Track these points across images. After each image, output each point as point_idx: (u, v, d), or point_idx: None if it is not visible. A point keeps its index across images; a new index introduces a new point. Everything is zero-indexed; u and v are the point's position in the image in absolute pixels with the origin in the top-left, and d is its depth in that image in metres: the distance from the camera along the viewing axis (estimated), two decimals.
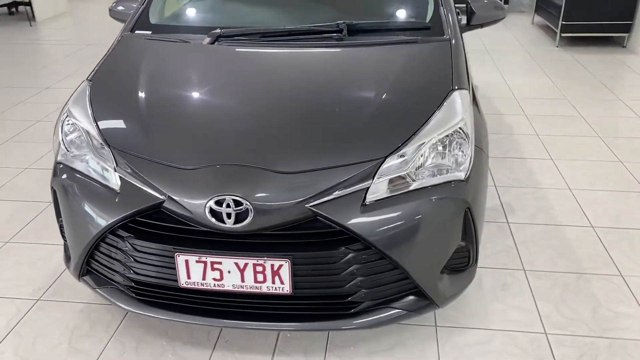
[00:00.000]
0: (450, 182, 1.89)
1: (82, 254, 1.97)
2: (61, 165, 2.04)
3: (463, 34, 2.71)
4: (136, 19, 2.54)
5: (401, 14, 2.52)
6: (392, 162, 1.83)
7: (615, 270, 2.56)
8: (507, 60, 5.94)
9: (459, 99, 2.02)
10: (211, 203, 1.73)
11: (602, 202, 3.12)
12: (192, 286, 1.86)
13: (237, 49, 2.31)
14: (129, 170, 1.86)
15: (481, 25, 2.71)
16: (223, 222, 1.74)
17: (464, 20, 2.69)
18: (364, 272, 1.83)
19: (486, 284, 2.49)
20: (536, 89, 4.99)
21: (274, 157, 1.80)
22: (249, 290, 1.84)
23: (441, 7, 2.42)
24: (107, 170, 1.91)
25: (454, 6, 2.54)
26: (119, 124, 2.00)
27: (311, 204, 1.75)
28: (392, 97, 2.02)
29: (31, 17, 8.10)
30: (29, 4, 8.24)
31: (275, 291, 1.83)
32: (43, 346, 2.18)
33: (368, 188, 1.79)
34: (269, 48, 2.30)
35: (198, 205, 1.74)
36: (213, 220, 1.74)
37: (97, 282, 2.06)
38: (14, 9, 8.95)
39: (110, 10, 2.88)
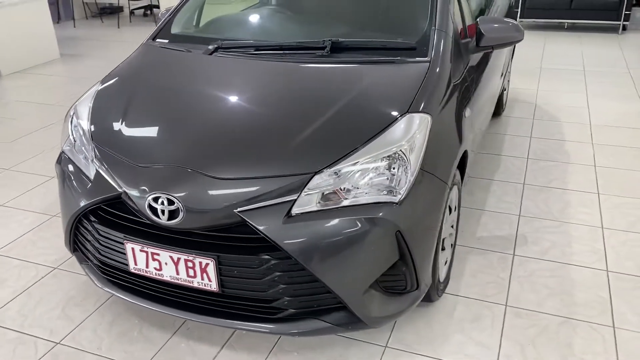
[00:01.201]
0: (381, 203, 1.89)
1: (66, 233, 2.26)
2: (63, 154, 2.35)
3: (494, 52, 2.61)
4: (159, 28, 2.81)
5: (392, 34, 2.52)
6: (324, 177, 1.88)
7: (609, 321, 2.35)
8: (601, 82, 5.48)
9: (409, 123, 2.01)
10: (150, 199, 1.92)
11: (632, 246, 2.84)
12: (139, 272, 2.06)
13: (224, 61, 2.46)
14: (101, 164, 2.10)
15: (492, 47, 2.60)
16: (159, 217, 1.92)
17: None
18: (286, 280, 1.90)
19: (458, 313, 2.41)
20: (619, 117, 4.57)
21: (213, 163, 1.94)
22: (183, 283, 1.99)
23: (433, 29, 2.39)
24: (88, 162, 2.18)
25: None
26: (105, 122, 2.25)
27: (239, 209, 1.86)
28: (341, 115, 2.06)
29: None
30: None
31: (205, 287, 1.97)
32: (42, 308, 2.52)
33: (295, 200, 1.86)
34: (253, 60, 2.42)
35: (141, 199, 1.94)
36: (151, 215, 1.93)
37: (81, 259, 2.34)
38: None
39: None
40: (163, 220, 1.91)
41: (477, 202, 3.30)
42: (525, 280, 2.61)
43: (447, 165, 2.13)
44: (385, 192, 1.91)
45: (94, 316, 2.46)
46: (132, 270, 2.07)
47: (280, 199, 1.86)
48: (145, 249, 1.99)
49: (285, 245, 1.82)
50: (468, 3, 3.00)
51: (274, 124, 2.05)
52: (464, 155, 2.54)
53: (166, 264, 1.98)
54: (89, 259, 2.28)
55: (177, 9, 2.88)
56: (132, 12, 9.81)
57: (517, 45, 6.81)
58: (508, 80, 4.68)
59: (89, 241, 2.19)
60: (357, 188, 1.90)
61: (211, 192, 1.89)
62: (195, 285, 1.98)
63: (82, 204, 2.10)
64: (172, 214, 1.90)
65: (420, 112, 2.07)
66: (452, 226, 2.55)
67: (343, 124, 2.03)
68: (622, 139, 4.12)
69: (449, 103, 2.27)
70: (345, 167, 1.90)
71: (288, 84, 2.25)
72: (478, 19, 2.55)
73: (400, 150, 1.94)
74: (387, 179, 1.92)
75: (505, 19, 2.61)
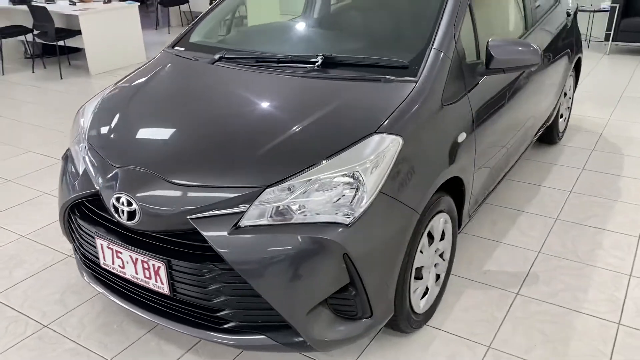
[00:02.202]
0: (332, 223, 1.83)
1: (60, 224, 2.40)
2: (69, 150, 2.51)
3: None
4: (180, 37, 2.92)
5: (393, 51, 2.43)
6: (276, 192, 1.86)
7: None
8: None
9: (373, 144, 1.93)
10: (113, 198, 2.00)
11: None
12: (107, 267, 2.14)
13: (220, 70, 2.49)
14: (88, 161, 2.22)
15: (503, 70, 2.43)
16: (120, 217, 1.99)
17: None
18: (230, 292, 1.90)
19: (434, 348, 2.27)
20: None
21: (174, 168, 1.98)
22: (141, 282, 2.05)
23: (430, 49, 2.28)
24: (79, 159, 2.31)
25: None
26: (99, 122, 2.37)
27: (192, 216, 1.89)
28: (308, 130, 2.02)
29: None
30: None
31: (158, 289, 2.01)
32: (44, 292, 2.70)
33: (244, 212, 1.85)
34: (247, 71, 2.44)
35: (108, 198, 2.03)
36: (115, 214, 2.01)
37: (74, 249, 2.48)
38: None
39: None
40: (123, 220, 1.99)
41: (497, 232, 3.10)
42: (521, 322, 2.41)
43: (419, 191, 2.02)
44: (336, 213, 1.85)
45: (85, 305, 2.59)
46: (102, 265, 2.16)
47: (231, 210, 1.87)
48: (111, 246, 2.07)
49: (227, 256, 1.81)
50: (493, 23, 2.84)
51: (240, 135, 2.06)
52: (460, 183, 2.40)
53: (127, 262, 2.05)
54: (75, 249, 2.41)
55: (199, 20, 2.98)
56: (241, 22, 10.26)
57: (599, 70, 6.35)
58: (568, 107, 4.35)
59: (73, 233, 2.31)
60: (309, 206, 1.86)
61: (166, 197, 1.93)
62: (151, 286, 2.03)
63: (69, 197, 2.23)
64: (131, 215, 1.96)
65: (391, 133, 1.98)
66: (440, 255, 2.42)
67: (307, 140, 1.99)
68: None
69: (435, 126, 2.16)
70: (298, 183, 1.86)
71: (268, 96, 2.25)
72: (489, 40, 2.40)
73: (357, 171, 1.87)
74: (340, 199, 1.86)
75: (520, 41, 2.44)
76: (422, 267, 2.24)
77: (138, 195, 1.95)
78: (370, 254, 1.88)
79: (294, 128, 2.03)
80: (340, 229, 1.83)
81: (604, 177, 3.75)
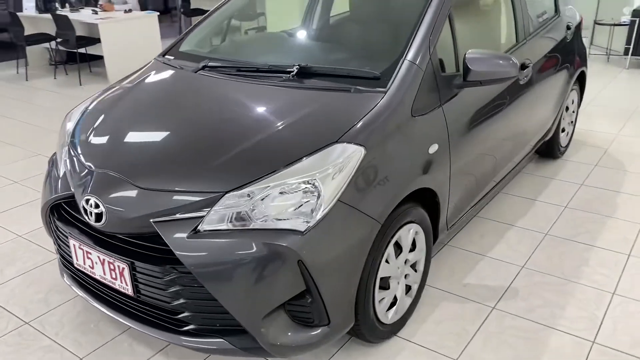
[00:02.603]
0: (288, 230, 1.86)
1: (44, 224, 2.48)
2: (55, 154, 2.59)
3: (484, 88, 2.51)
4: (171, 46, 3.00)
5: (369, 61, 2.45)
6: (235, 198, 1.89)
7: None
8: None
9: (333, 153, 1.95)
10: (83, 200, 2.06)
11: (639, 328, 2.47)
12: (80, 267, 2.21)
13: (200, 79, 2.55)
14: (68, 165, 2.30)
15: (480, 83, 2.42)
16: (89, 218, 2.05)
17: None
18: (188, 295, 1.93)
19: (400, 359, 2.27)
20: None
21: (142, 173, 2.03)
22: (109, 283, 2.11)
23: (403, 60, 2.29)
24: (61, 161, 2.39)
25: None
26: (81, 128, 2.45)
27: (155, 219, 1.94)
28: (272, 138, 2.05)
29: None
30: None
31: (123, 290, 2.06)
32: (30, 290, 2.79)
33: (204, 217, 1.89)
34: (225, 80, 2.48)
35: (79, 200, 2.09)
36: (84, 215, 2.07)
37: (56, 250, 2.56)
38: None
39: None
40: (91, 221, 2.05)
41: (484, 246, 3.07)
42: (493, 337, 2.38)
43: (381, 201, 2.03)
44: (294, 220, 1.87)
45: (67, 304, 2.67)
46: (76, 266, 2.22)
47: (192, 214, 1.91)
48: (82, 247, 2.13)
49: (185, 259, 1.85)
50: (478, 35, 2.84)
51: (207, 141, 2.11)
52: (434, 195, 2.40)
53: (96, 263, 2.10)
54: (57, 250, 2.48)
55: (190, 30, 3.06)
56: (245, 32, 10.43)
57: (616, 84, 6.24)
58: (571, 122, 4.29)
59: (53, 234, 2.39)
60: (268, 212, 1.88)
61: (132, 200, 1.98)
62: (117, 287, 2.08)
63: (48, 198, 2.31)
64: (99, 217, 2.02)
65: (353, 143, 2.00)
66: (413, 266, 2.42)
67: (269, 147, 2.03)
68: None
69: (402, 137, 2.16)
70: (257, 189, 1.90)
71: (241, 104, 2.29)
72: (466, 53, 2.40)
73: (314, 179, 1.89)
74: (298, 206, 1.88)
75: (499, 54, 2.43)
76: (389, 277, 2.24)
77: (105, 197, 2.01)
78: (327, 262, 1.90)
79: (259, 135, 2.07)
80: (296, 236, 1.85)
81: (602, 193, 3.68)
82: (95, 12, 7.43)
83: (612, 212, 3.44)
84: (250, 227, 1.88)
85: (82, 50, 7.19)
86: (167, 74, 2.71)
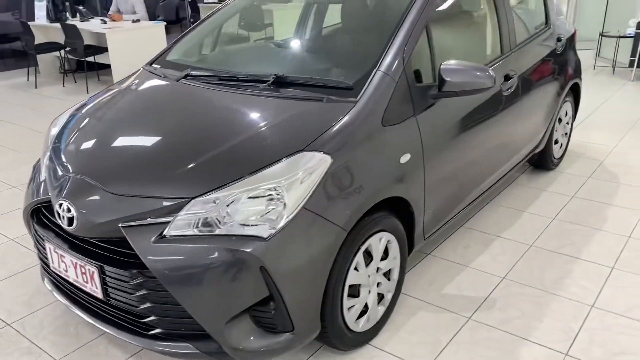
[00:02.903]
0: (251, 236, 1.89)
1: (27, 228, 2.54)
2: (39, 159, 2.66)
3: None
4: (158, 55, 3.06)
5: (345, 71, 2.49)
6: (201, 204, 1.93)
7: None
8: None
9: (299, 161, 1.98)
10: (57, 204, 2.11)
11: (616, 332, 2.45)
12: (55, 270, 2.26)
13: (179, 87, 2.60)
14: (49, 170, 2.35)
15: (456, 93, 2.44)
16: (61, 222, 2.10)
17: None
18: (154, 299, 1.97)
19: None
20: None
21: (114, 178, 2.08)
22: (81, 286, 2.15)
23: (376, 71, 2.32)
24: (42, 166, 2.45)
25: None
26: (62, 134, 2.51)
27: (122, 224, 1.98)
28: (241, 145, 2.08)
29: None
30: None
31: (94, 293, 2.11)
32: (16, 292, 2.84)
33: (169, 222, 1.93)
34: (204, 89, 2.53)
35: (54, 204, 2.14)
36: (58, 219, 2.12)
37: (37, 255, 2.61)
38: None
39: None
40: (64, 225, 2.10)
41: (467, 256, 3.07)
42: (464, 348, 2.38)
43: (347, 209, 2.05)
44: (258, 226, 1.90)
45: (48, 307, 2.72)
46: (52, 268, 2.27)
47: (158, 220, 1.95)
48: (57, 250, 2.18)
49: (150, 263, 1.89)
50: (458, 46, 2.86)
51: (178, 148, 2.15)
52: (408, 204, 2.41)
53: (69, 266, 2.15)
54: (38, 255, 2.54)
55: (177, 40, 3.12)
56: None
57: (619, 96, 6.19)
58: (565, 133, 4.27)
59: (33, 237, 2.45)
60: (233, 218, 1.92)
61: (102, 205, 2.03)
62: (88, 290, 2.12)
63: (28, 202, 2.37)
64: (71, 221, 2.07)
65: (320, 151, 2.03)
66: (386, 275, 2.43)
67: (237, 155, 2.06)
68: None
69: (371, 146, 2.18)
70: (222, 196, 1.93)
71: (216, 112, 2.34)
72: (441, 64, 2.42)
73: (278, 186, 1.92)
74: (263, 213, 1.91)
75: (475, 65, 2.44)
76: (359, 285, 2.25)
77: (77, 202, 2.06)
78: (290, 268, 1.92)
79: (228, 143, 2.11)
80: (259, 243, 1.88)
81: (592, 205, 3.65)
82: (104, 22, 7.58)
83: (600, 224, 3.41)
84: (216, 232, 1.91)
85: (90, 58, 7.32)
86: (150, 82, 2.76)
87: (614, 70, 7.50)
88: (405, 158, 2.32)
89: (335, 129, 2.12)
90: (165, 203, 1.96)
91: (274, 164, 1.99)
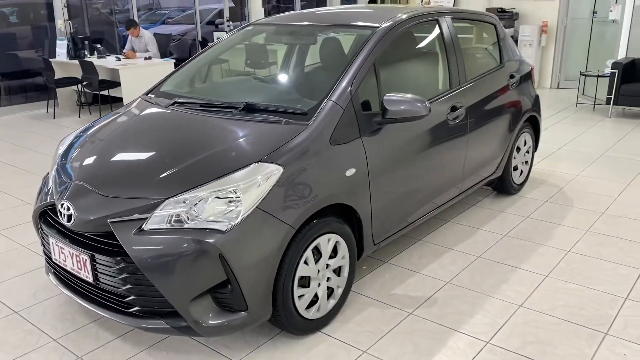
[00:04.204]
0: (213, 229, 2.33)
1: (35, 230, 3.01)
2: (48, 171, 3.15)
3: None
4: (154, 86, 3.58)
5: (305, 100, 2.98)
6: (174, 203, 2.39)
7: None
8: None
9: (255, 170, 2.44)
10: (59, 205, 2.59)
11: (533, 327, 2.82)
12: (56, 262, 2.71)
13: (167, 113, 3.09)
14: (56, 179, 2.84)
15: (396, 120, 2.90)
16: (62, 219, 2.57)
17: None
18: (133, 281, 2.41)
19: (317, 350, 2.67)
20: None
21: (105, 183, 2.56)
22: (77, 273, 2.60)
23: (327, 100, 2.80)
24: (50, 175, 2.94)
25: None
26: (68, 151, 3.00)
27: (110, 220, 2.44)
28: (210, 157, 2.55)
29: None
30: None
31: (86, 278, 2.56)
32: (25, 287, 3.29)
33: (148, 218, 2.39)
34: (187, 114, 3.01)
35: (58, 205, 2.62)
36: (60, 217, 2.59)
37: (43, 252, 3.08)
38: None
39: None
40: (64, 221, 2.56)
41: (419, 265, 3.47)
42: (402, 336, 2.77)
43: (296, 211, 2.48)
44: (219, 222, 2.35)
45: (52, 299, 3.16)
46: (54, 260, 2.73)
47: (139, 216, 2.41)
48: (58, 243, 2.64)
49: (130, 251, 2.34)
50: (406, 81, 3.34)
51: (159, 159, 2.63)
52: (353, 212, 2.84)
53: (68, 257, 2.61)
54: (44, 252, 3.00)
55: (169, 75, 3.65)
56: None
57: (594, 131, 6.60)
58: (526, 162, 4.69)
59: (40, 235, 2.91)
60: (199, 215, 2.37)
61: (96, 205, 2.50)
62: (82, 276, 2.57)
63: (37, 206, 2.85)
64: (70, 218, 2.54)
65: (274, 163, 2.49)
66: (336, 272, 2.84)
67: (206, 164, 2.53)
68: (626, 232, 3.92)
69: (319, 161, 2.63)
70: (190, 197, 2.39)
71: (193, 131, 2.82)
72: (384, 95, 2.90)
73: (237, 189, 2.38)
74: (224, 211, 2.36)
75: (413, 96, 2.89)
76: (309, 277, 2.67)
77: (76, 202, 2.53)
78: (245, 257, 2.35)
79: (199, 155, 2.59)
80: (219, 235, 2.32)
81: (542, 225, 4.04)
82: (119, 59, 8.23)
83: (545, 240, 3.80)
84: (185, 227, 2.36)
85: (105, 92, 7.94)
86: (144, 108, 3.27)
87: (594, 107, 7.94)
88: (350, 172, 2.77)
89: (288, 145, 2.59)
90: (145, 203, 2.42)
91: (236, 171, 2.45)
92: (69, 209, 2.54)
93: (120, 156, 2.76)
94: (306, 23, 3.62)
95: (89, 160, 2.79)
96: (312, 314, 2.73)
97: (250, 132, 2.72)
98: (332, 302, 2.85)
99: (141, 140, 2.87)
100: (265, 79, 3.74)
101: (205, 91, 3.60)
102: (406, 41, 3.51)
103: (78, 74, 8.30)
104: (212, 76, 3.80)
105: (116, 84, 7.88)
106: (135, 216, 2.41)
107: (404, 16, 3.40)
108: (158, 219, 2.39)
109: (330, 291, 2.84)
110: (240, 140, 2.67)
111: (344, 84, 2.87)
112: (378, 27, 3.22)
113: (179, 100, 3.19)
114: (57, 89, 8.53)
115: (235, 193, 2.39)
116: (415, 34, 3.64)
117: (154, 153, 2.70)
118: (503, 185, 4.48)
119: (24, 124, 7.87)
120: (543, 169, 5.29)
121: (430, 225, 4.03)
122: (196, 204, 2.39)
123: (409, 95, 2.90)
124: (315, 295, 2.74)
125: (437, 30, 3.64)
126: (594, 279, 3.29)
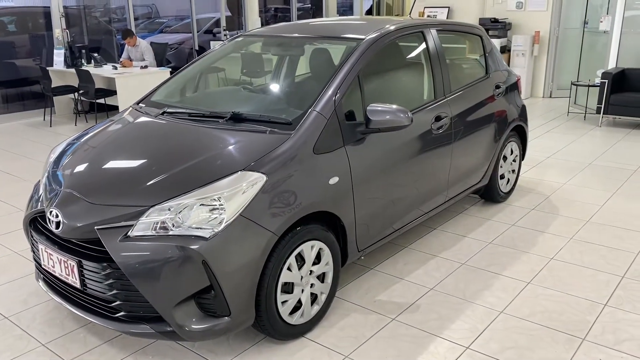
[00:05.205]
0: (196, 236, 2.40)
1: (26, 237, 3.07)
2: (39, 179, 3.22)
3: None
4: (144, 96, 3.66)
5: (290, 109, 3.05)
6: (158, 211, 2.46)
7: None
8: None
9: (238, 178, 2.51)
10: (48, 212, 2.65)
11: (512, 332, 2.88)
12: (45, 268, 2.77)
13: (156, 122, 3.15)
14: (46, 187, 2.90)
15: (379, 130, 2.97)
16: (51, 226, 2.64)
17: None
18: (118, 287, 2.47)
19: (300, 354, 2.72)
20: (629, 218, 4.37)
21: (92, 191, 2.63)
22: (64, 279, 2.66)
23: (311, 110, 2.86)
24: (41, 183, 3.00)
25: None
26: (58, 159, 3.07)
27: (97, 227, 2.50)
28: (195, 166, 2.62)
29: None
30: None
31: (73, 284, 2.62)
32: (16, 293, 3.35)
33: (134, 225, 2.45)
34: (175, 123, 3.08)
35: (47, 212, 2.68)
36: (49, 224, 2.66)
37: (33, 258, 3.14)
38: None
39: None
40: (53, 228, 2.63)
41: (404, 271, 3.53)
42: (384, 341, 2.83)
43: (279, 218, 2.55)
44: (203, 229, 2.41)
45: (41, 305, 3.22)
46: (43, 266, 2.79)
47: (125, 223, 2.47)
48: (47, 250, 2.71)
49: (116, 258, 2.40)
50: (390, 92, 3.42)
51: (145, 168, 2.69)
52: (338, 219, 2.91)
53: (56, 263, 2.67)
54: (34, 258, 3.06)
55: (159, 85, 3.73)
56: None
57: (584, 140, 6.68)
58: (513, 170, 4.76)
59: (30, 241, 2.98)
60: (184, 222, 2.43)
61: (83, 212, 2.56)
62: (70, 281, 2.63)
63: (27, 213, 2.92)
64: (58, 225, 2.60)
65: (257, 171, 2.56)
66: (320, 278, 2.90)
67: (190, 173, 2.60)
68: (609, 240, 3.99)
69: (303, 170, 2.70)
70: (174, 204, 2.45)
71: (179, 140, 2.89)
72: (368, 106, 2.97)
73: (219, 197, 2.45)
74: (208, 218, 2.43)
75: (396, 107, 2.96)
76: (293, 283, 2.73)
77: (64, 210, 2.59)
78: (228, 263, 2.42)
79: (185, 164, 2.65)
80: (202, 241, 2.38)
81: (527, 233, 4.11)
82: (115, 68, 8.32)
83: (529, 248, 3.87)
84: (170, 234, 2.43)
85: (101, 100, 8.02)
86: (134, 118, 3.34)
87: (585, 116, 8.02)
88: (333, 180, 2.84)
89: (272, 154, 2.66)
90: (131, 210, 2.49)
91: (220, 180, 2.52)
92: (57, 216, 2.60)
93: (108, 164, 2.83)
94: (296, 35, 3.71)
95: (79, 168, 2.86)
96: (296, 319, 2.79)
97: (236, 141, 2.79)
98: (316, 307, 2.91)
99: (129, 149, 2.94)
100: (254, 89, 3.82)
101: (194, 101, 3.68)
102: (391, 52, 3.59)
103: (75, 82, 8.38)
104: (201, 86, 3.88)
105: (112, 92, 7.96)
106: (122, 223, 2.47)
107: (391, 27, 3.49)
108: (143, 226, 2.45)
109: (314, 297, 2.90)
110: (226, 149, 2.74)
111: (328, 94, 2.95)
112: (363, 39, 3.30)
113: (168, 110, 3.26)
114: (54, 97, 8.62)
115: (219, 201, 2.45)
116: (400, 46, 3.72)
117: (141, 161, 2.77)
118: (490, 194, 4.55)
119: (21, 131, 7.94)
120: (531, 177, 5.37)
121: (417, 232, 4.10)
122: (181, 211, 2.45)
123: (392, 106, 2.97)
124: (299, 301, 2.79)
125: (422, 42, 3.72)
126: (574, 285, 3.35)
